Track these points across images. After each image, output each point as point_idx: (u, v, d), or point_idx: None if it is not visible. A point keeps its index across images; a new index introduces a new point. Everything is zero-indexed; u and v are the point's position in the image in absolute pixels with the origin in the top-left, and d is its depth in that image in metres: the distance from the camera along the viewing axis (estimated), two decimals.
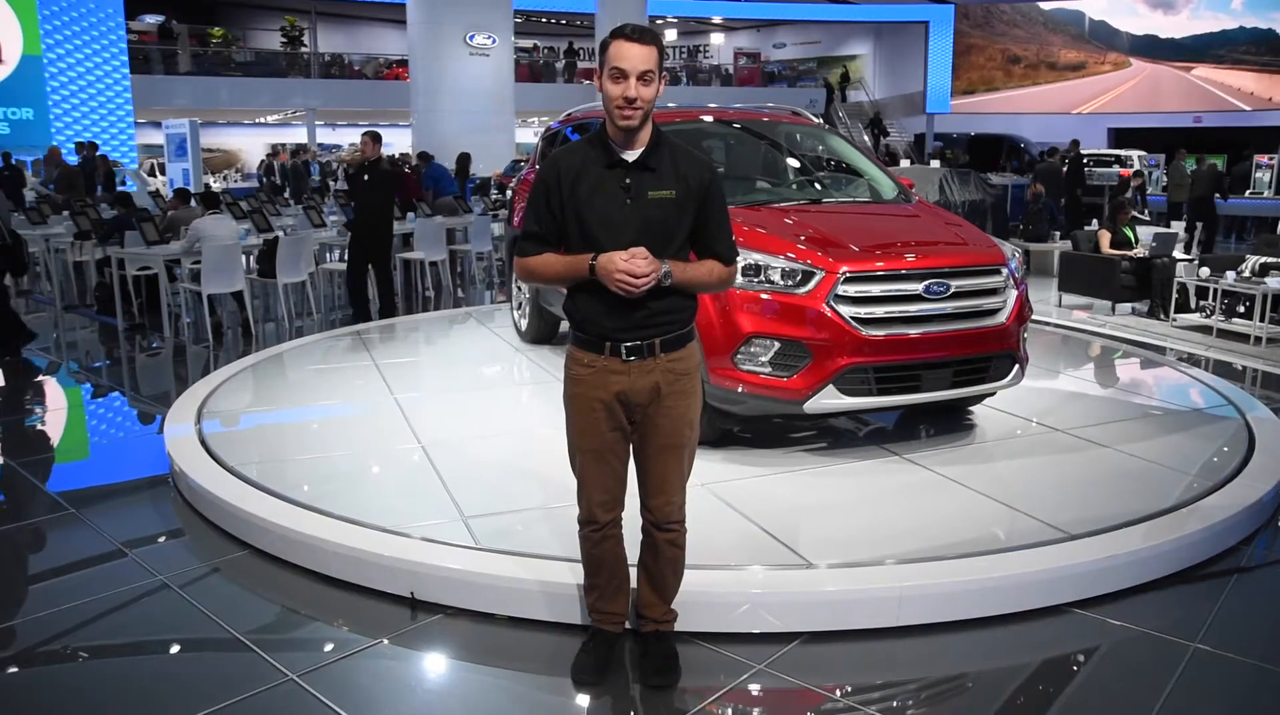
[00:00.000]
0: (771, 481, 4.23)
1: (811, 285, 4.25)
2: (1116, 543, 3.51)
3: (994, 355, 4.56)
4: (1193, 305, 8.60)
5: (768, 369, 4.28)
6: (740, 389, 4.32)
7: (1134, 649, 3.10)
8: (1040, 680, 3.00)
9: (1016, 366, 4.69)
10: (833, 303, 4.22)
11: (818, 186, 5.65)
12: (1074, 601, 3.30)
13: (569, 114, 6.82)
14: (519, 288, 6.98)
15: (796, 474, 4.34)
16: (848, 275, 4.25)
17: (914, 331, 4.32)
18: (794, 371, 4.25)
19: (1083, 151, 16.80)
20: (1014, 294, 4.62)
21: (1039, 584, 3.29)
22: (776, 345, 4.26)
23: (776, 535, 3.60)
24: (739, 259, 4.25)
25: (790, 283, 4.28)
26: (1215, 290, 8.12)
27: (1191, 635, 3.12)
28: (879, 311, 4.28)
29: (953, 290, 4.39)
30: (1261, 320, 7.66)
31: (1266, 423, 4.99)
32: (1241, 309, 8.07)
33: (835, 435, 4.94)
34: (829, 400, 4.28)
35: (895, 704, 2.85)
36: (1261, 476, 4.20)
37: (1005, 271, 4.60)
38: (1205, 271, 8.29)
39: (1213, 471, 4.30)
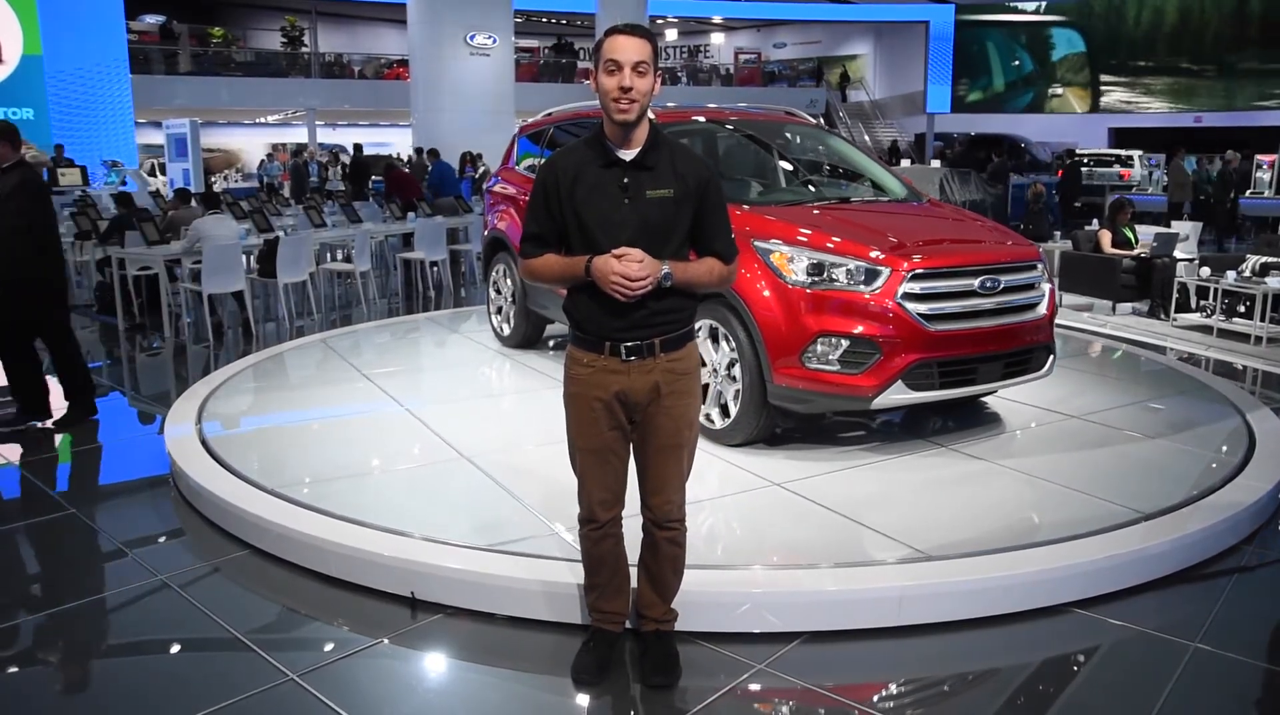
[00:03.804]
0: (843, 477, 4.25)
1: (879, 283, 4.28)
2: (1116, 542, 3.51)
3: (1036, 347, 4.70)
4: (1193, 305, 8.60)
5: (836, 367, 4.31)
6: (806, 387, 4.34)
7: (1134, 649, 3.10)
8: (1040, 680, 3.00)
9: (1051, 357, 4.85)
10: (900, 299, 4.27)
11: (840, 186, 5.69)
12: (1074, 601, 3.30)
13: (548, 113, 6.80)
14: (497, 291, 6.92)
15: (863, 469, 4.37)
16: (913, 272, 4.29)
17: (972, 325, 4.42)
18: (863, 368, 4.28)
19: (1083, 152, 16.87)
20: (1048, 288, 4.77)
21: (1039, 584, 3.29)
22: (845, 343, 4.28)
23: (877, 528, 3.64)
24: (804, 258, 4.35)
25: (855, 281, 4.31)
26: (1215, 290, 8.12)
27: (1191, 635, 3.12)
28: (942, 307, 4.35)
29: (1003, 285, 4.50)
30: (1262, 320, 7.66)
31: (1266, 423, 4.99)
32: (1242, 309, 8.06)
33: (878, 431, 4.99)
34: (896, 395, 4.33)
35: (896, 704, 2.86)
36: (1261, 476, 4.20)
37: (1040, 266, 4.75)
38: (1205, 271, 8.29)
39: (1212, 472, 4.30)
